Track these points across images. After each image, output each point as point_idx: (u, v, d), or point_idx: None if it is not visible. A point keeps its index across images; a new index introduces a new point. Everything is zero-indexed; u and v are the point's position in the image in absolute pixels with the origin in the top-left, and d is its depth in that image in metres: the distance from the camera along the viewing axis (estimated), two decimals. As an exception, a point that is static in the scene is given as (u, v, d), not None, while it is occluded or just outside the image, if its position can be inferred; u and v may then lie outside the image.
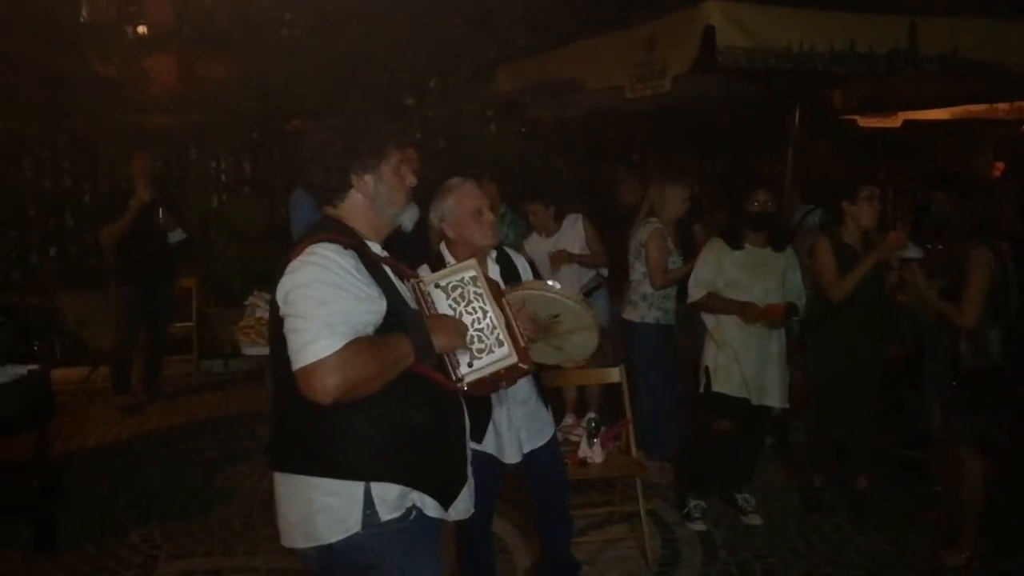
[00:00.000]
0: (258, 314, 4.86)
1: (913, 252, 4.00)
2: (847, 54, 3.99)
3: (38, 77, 7.20)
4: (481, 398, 2.61)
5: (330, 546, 2.00)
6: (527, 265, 3.16)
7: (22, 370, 3.99)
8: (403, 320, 2.03)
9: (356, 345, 1.87)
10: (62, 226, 7.88)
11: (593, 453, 3.90)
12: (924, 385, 3.93)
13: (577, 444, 4.02)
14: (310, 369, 1.84)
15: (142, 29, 9.13)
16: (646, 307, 4.76)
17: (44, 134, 7.59)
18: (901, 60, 4.09)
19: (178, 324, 6.79)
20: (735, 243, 4.09)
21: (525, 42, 7.20)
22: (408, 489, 2.04)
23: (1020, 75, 4.49)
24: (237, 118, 7.86)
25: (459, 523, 2.23)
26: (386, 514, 2.00)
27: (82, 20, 8.87)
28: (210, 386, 6.63)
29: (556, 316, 2.66)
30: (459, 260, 2.69)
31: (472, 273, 2.28)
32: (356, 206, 2.09)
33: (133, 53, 8.47)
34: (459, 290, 2.25)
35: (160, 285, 5.91)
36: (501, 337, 2.24)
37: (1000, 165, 7.30)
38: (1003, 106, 7.80)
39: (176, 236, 5.85)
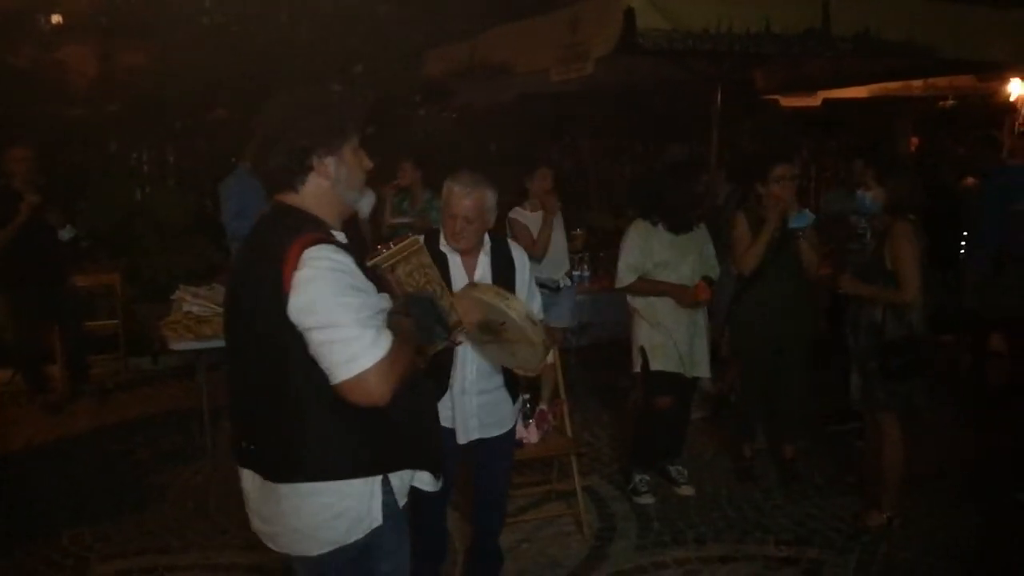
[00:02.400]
0: (185, 308, 4.77)
1: (802, 220, 4.08)
2: (763, 35, 4.09)
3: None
4: (438, 377, 2.85)
5: (347, 546, 1.99)
6: (524, 259, 3.13)
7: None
8: (411, 303, 2.07)
9: (395, 343, 1.88)
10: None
11: (528, 433, 3.94)
12: (843, 355, 4.06)
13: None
14: (365, 376, 1.81)
15: (56, 18, 8.81)
16: None
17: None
18: (815, 40, 4.21)
19: (103, 321, 6.61)
20: (683, 227, 4.15)
21: (454, 26, 7.17)
22: (413, 471, 2.09)
23: (929, 52, 4.65)
24: (159, 108, 7.64)
25: (420, 495, 2.26)
26: (401, 500, 2.07)
27: (-8, 9, 8.50)
28: (139, 383, 6.45)
29: (503, 324, 2.70)
30: (450, 245, 2.88)
31: (419, 251, 2.34)
32: (317, 191, 1.95)
33: (47, 43, 8.16)
34: (411, 270, 2.30)
35: (54, 286, 5.72)
36: (454, 310, 2.38)
37: (915, 140, 7.59)
38: (917, 83, 8.09)
39: (66, 234, 5.69)
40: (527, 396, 3.99)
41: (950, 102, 9.67)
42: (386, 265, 2.24)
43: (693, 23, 3.99)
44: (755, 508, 4.22)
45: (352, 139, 2.00)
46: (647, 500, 4.28)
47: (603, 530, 4.03)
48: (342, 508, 1.96)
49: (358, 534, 1.98)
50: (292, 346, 1.85)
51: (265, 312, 1.85)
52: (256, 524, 2.10)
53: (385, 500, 2.01)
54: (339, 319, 1.81)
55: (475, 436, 3.09)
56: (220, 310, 4.64)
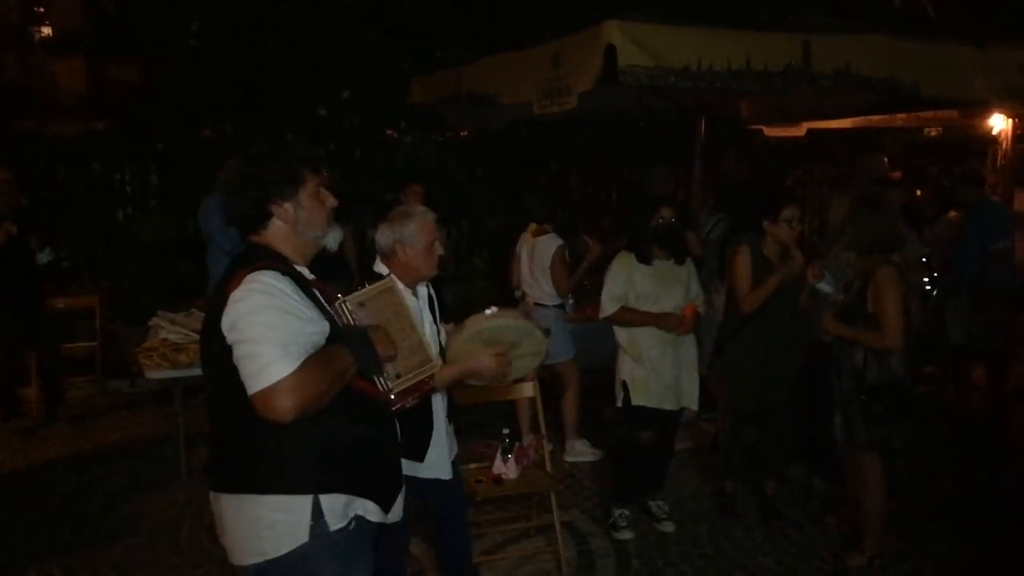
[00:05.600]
0: (162, 335, 4.74)
1: (827, 286, 4.06)
2: (744, 72, 4.10)
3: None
4: (422, 418, 2.97)
5: (276, 560, 2.07)
6: (434, 292, 3.23)
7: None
8: (347, 335, 2.15)
9: (308, 363, 1.96)
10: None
11: (507, 469, 3.90)
12: (824, 396, 4.04)
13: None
14: (268, 391, 1.92)
15: (47, 31, 8.80)
16: None
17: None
18: (796, 76, 4.22)
19: (80, 343, 6.54)
20: (644, 259, 4.16)
21: (440, 54, 7.20)
22: (352, 498, 2.15)
23: (910, 89, 4.68)
24: (144, 128, 7.61)
25: (383, 529, 2.33)
26: (334, 524, 2.10)
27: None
28: (116, 408, 6.38)
29: (518, 343, 2.94)
30: (403, 281, 2.93)
31: (390, 290, 2.50)
32: (279, 232, 2.15)
33: (38, 55, 8.15)
34: (380, 307, 2.42)
35: (30, 309, 5.67)
36: (423, 349, 2.51)
37: (897, 174, 7.63)
38: (901, 116, 8.16)
39: (44, 257, 5.66)
40: (507, 431, 3.97)
41: (935, 131, 9.76)
42: (356, 301, 2.37)
43: (674, 60, 4.00)
44: (736, 546, 4.18)
45: (309, 183, 2.17)
46: (626, 536, 4.24)
47: (581, 568, 3.99)
48: (271, 521, 2.06)
49: (284, 548, 2.06)
50: (228, 362, 1.98)
51: (210, 328, 2.05)
52: (219, 535, 2.23)
53: (314, 521, 2.07)
54: (254, 335, 1.95)
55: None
56: (197, 337, 4.63)
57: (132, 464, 5.26)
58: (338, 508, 2.11)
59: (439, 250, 3.04)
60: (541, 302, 5.22)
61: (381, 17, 7.77)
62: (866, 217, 3.76)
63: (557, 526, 3.94)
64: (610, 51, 3.91)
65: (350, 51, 7.54)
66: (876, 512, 3.82)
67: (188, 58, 7.56)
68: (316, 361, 1.99)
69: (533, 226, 5.37)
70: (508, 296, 5.66)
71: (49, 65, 8.93)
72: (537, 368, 3.46)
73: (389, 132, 7.98)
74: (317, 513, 2.08)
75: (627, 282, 4.18)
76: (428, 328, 2.98)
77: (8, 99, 8.02)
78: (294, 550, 2.07)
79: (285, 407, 1.92)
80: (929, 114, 7.86)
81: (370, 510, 2.20)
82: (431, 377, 2.59)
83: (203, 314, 5.06)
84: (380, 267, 3.04)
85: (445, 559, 3.35)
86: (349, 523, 2.14)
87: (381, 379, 2.30)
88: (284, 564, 2.08)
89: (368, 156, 7.68)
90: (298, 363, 1.94)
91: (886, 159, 6.20)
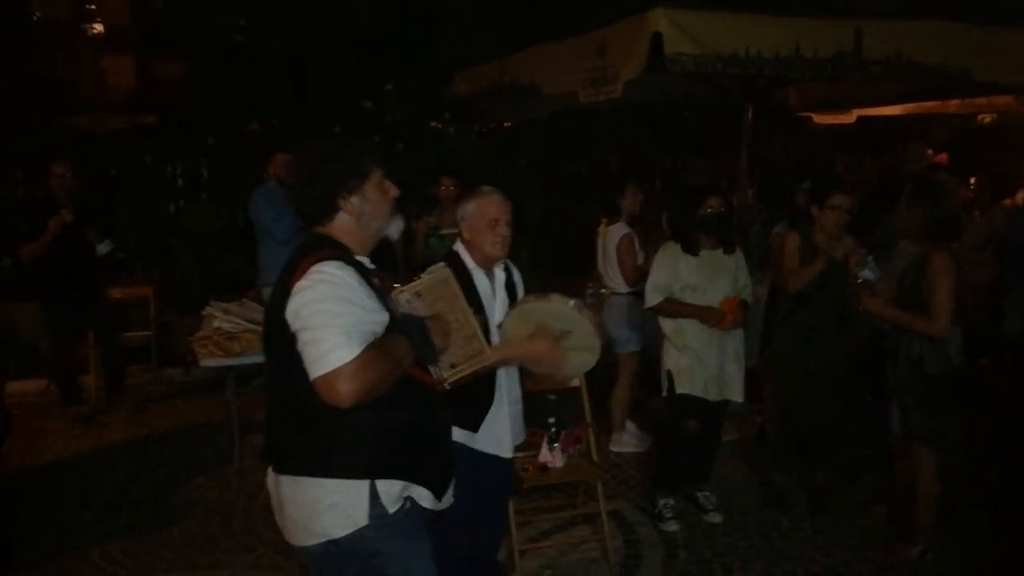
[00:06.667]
0: (215, 324, 4.84)
1: (871, 274, 3.98)
2: (793, 59, 4.05)
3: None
4: (484, 391, 2.98)
5: (337, 540, 2.14)
6: (520, 279, 3.23)
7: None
8: (405, 325, 2.21)
9: (369, 351, 2.02)
10: (16, 235, 7.72)
11: (554, 458, 3.92)
12: (882, 385, 3.97)
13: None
14: (331, 376, 1.98)
15: (98, 27, 9.00)
16: None
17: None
18: (846, 63, 4.15)
19: (136, 333, 6.72)
20: (691, 249, 4.14)
21: (481, 45, 7.21)
22: (407, 483, 2.21)
23: (963, 74, 4.57)
24: (193, 122, 7.76)
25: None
26: (391, 507, 2.17)
27: (35, 19, 8.73)
28: (171, 395, 6.56)
29: (568, 332, 2.87)
30: (474, 260, 2.98)
31: (445, 280, 2.53)
32: (344, 224, 2.22)
33: (88, 52, 8.36)
34: (436, 297, 2.47)
35: (89, 299, 5.83)
36: (477, 339, 2.54)
37: (943, 157, 7.43)
38: (955, 102, 7.96)
39: (103, 248, 5.81)
40: (552, 420, 3.99)
41: (990, 117, 9.49)
42: (412, 292, 2.42)
43: (721, 47, 3.96)
44: (784, 537, 4.16)
45: (373, 176, 2.24)
46: (672, 527, 4.23)
47: (629, 557, 3.99)
48: (329, 503, 2.13)
49: (344, 530, 2.13)
50: (292, 349, 2.05)
51: (275, 315, 2.12)
52: (276, 516, 2.30)
53: (372, 504, 2.14)
54: (318, 322, 2.01)
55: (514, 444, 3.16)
56: (249, 326, 4.75)
57: (186, 450, 5.40)
58: (394, 492, 2.18)
59: (504, 231, 2.98)
60: (616, 290, 5.25)
61: (423, 10, 7.81)
62: (922, 203, 3.68)
63: (603, 515, 3.95)
64: (656, 39, 3.88)
65: (393, 44, 7.60)
66: (929, 504, 3.76)
67: (234, 53, 7.69)
68: (376, 349, 2.05)
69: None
70: (558, 289, 5.63)
71: (99, 62, 9.14)
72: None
73: (433, 124, 8.03)
74: (374, 496, 2.14)
75: (672, 272, 4.16)
76: (500, 310, 2.98)
77: (61, 96, 8.23)
78: (354, 532, 2.14)
79: (346, 392, 1.98)
80: (983, 100, 7.67)
81: (423, 496, 2.27)
82: (483, 368, 2.63)
83: (254, 304, 5.20)
84: (459, 246, 3.06)
85: (476, 539, 3.33)
86: (404, 504, 2.21)
87: (435, 368, 2.34)
88: (345, 544, 2.15)
89: (411, 149, 7.74)
90: (360, 350, 2.00)
91: (930, 151, 6.07)
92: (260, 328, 4.55)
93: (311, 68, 7.50)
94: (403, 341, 2.16)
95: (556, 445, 3.94)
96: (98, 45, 9.34)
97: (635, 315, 5.17)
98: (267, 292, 5.49)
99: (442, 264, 2.71)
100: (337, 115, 7.38)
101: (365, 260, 2.26)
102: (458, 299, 2.55)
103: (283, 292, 2.10)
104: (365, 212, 2.22)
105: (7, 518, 3.99)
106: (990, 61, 4.52)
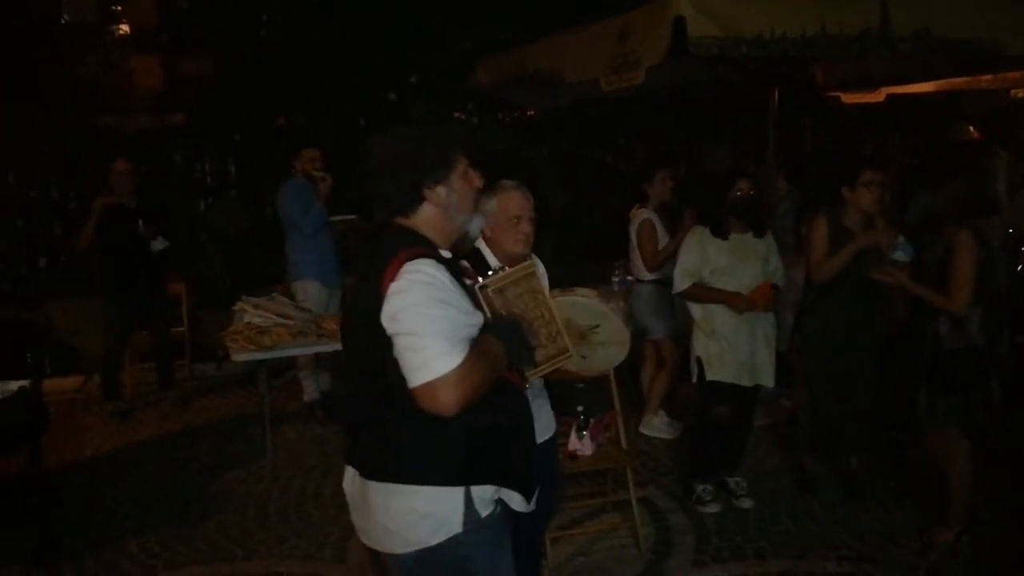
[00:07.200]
0: (246, 319, 4.88)
1: (903, 254, 3.89)
2: (819, 38, 3.97)
3: (18, 83, 7.18)
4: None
5: (432, 548, 2.07)
6: (544, 272, 3.15)
7: (13, 386, 4.02)
8: (499, 327, 2.13)
9: (470, 356, 1.94)
10: (50, 235, 7.88)
11: (583, 446, 3.92)
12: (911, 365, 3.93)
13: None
14: (435, 384, 1.90)
15: (125, 28, 9.08)
16: None
17: (27, 145, 7.57)
18: (874, 41, 4.07)
19: (171, 329, 6.81)
20: (720, 233, 4.10)
21: (503, 35, 7.18)
22: (499, 488, 2.15)
23: (995, 48, 4.46)
24: (220, 119, 7.83)
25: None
26: (483, 511, 2.11)
27: (63, 21, 8.83)
28: (204, 390, 6.65)
29: (596, 327, 2.79)
30: (497, 257, 2.83)
31: (531, 274, 2.41)
32: (429, 216, 2.10)
33: (116, 53, 8.44)
34: (521, 293, 2.36)
35: (145, 294, 5.92)
36: (561, 336, 2.45)
37: (976, 132, 7.27)
38: (986, 77, 7.78)
39: (158, 245, 5.87)
40: (581, 408, 3.98)
41: (1023, 92, 9.26)
42: (496, 287, 2.30)
43: (746, 29, 3.90)
44: (816, 522, 4.12)
45: (459, 165, 2.12)
46: (713, 509, 4.23)
47: (660, 543, 3.99)
48: (425, 512, 2.06)
49: (439, 538, 2.07)
50: (387, 351, 1.96)
51: (366, 317, 1.99)
52: (354, 518, 2.24)
53: (466, 511, 2.08)
54: (419, 328, 1.91)
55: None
56: (280, 320, 4.78)
57: (220, 443, 5.49)
58: (487, 497, 2.13)
59: (526, 227, 2.86)
60: (639, 278, 5.22)
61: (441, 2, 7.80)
62: (962, 180, 3.63)
63: (633, 502, 3.95)
64: (679, 22, 3.84)
65: (415, 35, 7.60)
66: (961, 486, 3.72)
67: (259, 50, 7.74)
68: (476, 354, 1.97)
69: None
70: (581, 280, 5.62)
71: (126, 63, 9.22)
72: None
73: (457, 115, 8.03)
74: (468, 503, 2.08)
75: (700, 257, 4.12)
76: None
77: (90, 96, 8.32)
78: (448, 539, 2.08)
79: (450, 400, 1.90)
80: (1016, 74, 7.48)
81: (515, 499, 2.21)
82: (564, 366, 2.53)
83: (284, 298, 5.21)
84: (480, 243, 2.97)
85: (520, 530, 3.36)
86: (495, 508, 2.17)
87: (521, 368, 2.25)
88: (438, 552, 2.08)
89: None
90: (462, 356, 1.92)
91: (971, 127, 5.93)
92: (290, 322, 4.64)
93: (335, 62, 7.52)
94: (498, 344, 2.07)
95: (585, 433, 3.93)
96: (125, 45, 9.43)
97: (663, 302, 5.14)
98: (296, 286, 5.56)
99: (530, 260, 2.59)
100: (360, 108, 7.40)
101: (446, 253, 2.13)
102: (542, 294, 2.43)
103: (374, 292, 1.97)
104: (451, 204, 2.10)
105: (49, 512, 4.08)
106: (1022, 34, 4.40)
